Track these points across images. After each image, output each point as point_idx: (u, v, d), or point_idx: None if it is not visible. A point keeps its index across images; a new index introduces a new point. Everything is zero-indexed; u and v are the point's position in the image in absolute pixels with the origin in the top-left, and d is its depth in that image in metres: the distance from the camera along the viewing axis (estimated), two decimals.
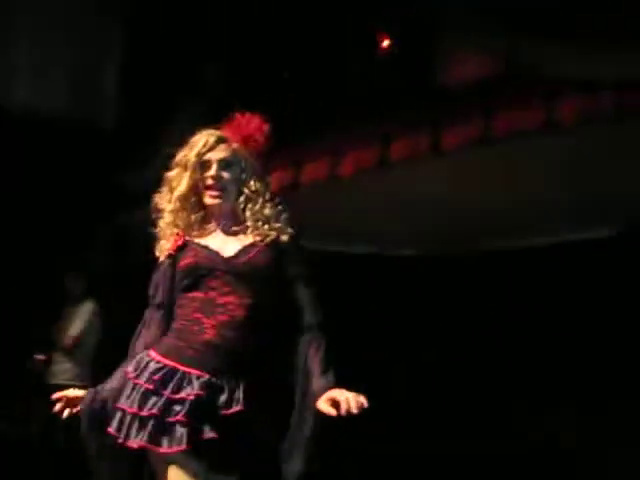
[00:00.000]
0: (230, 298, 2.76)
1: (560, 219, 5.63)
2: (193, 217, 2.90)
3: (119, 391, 2.75)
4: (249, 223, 2.85)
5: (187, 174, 2.86)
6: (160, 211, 2.93)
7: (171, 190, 2.91)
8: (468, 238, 5.80)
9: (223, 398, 2.68)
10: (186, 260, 2.82)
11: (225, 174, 2.85)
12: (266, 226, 2.85)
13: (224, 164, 2.86)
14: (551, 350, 5.93)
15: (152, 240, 2.90)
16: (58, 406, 2.80)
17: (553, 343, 5.95)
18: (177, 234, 2.89)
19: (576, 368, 5.76)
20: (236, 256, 2.81)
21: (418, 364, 6.06)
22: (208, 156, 2.86)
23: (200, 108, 5.34)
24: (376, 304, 5.98)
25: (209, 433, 2.63)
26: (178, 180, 2.90)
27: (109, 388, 2.79)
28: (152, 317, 2.88)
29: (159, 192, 2.94)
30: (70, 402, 2.81)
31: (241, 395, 2.68)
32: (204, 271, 2.79)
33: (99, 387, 2.81)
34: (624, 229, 5.70)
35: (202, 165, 2.85)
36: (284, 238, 2.83)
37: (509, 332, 6.02)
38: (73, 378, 5.64)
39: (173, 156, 2.90)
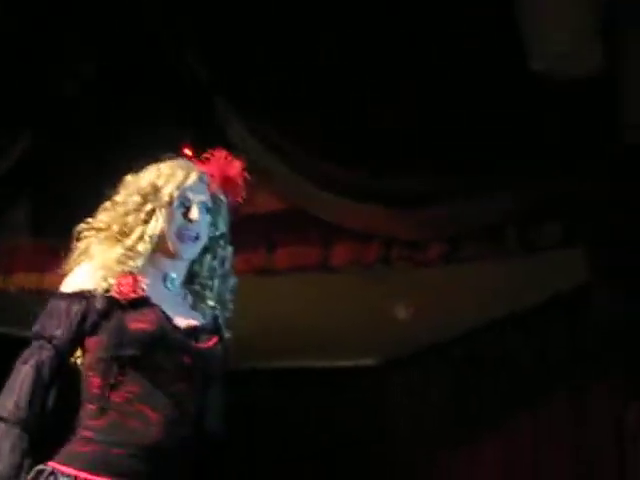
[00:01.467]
0: (182, 387, 2.14)
1: (332, 346, 6.00)
2: (145, 261, 2.23)
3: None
4: (209, 291, 2.28)
5: (163, 210, 2.23)
6: (94, 234, 2.26)
7: (123, 217, 2.25)
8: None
9: None
10: (143, 324, 2.12)
11: (203, 222, 2.25)
12: (223, 305, 2.30)
13: (204, 209, 2.26)
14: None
15: None
16: None
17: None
18: (133, 276, 2.19)
19: None
20: (192, 333, 2.20)
21: None
22: (189, 194, 2.25)
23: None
24: None
25: None
26: (138, 213, 2.24)
27: None
28: (48, 363, 2.10)
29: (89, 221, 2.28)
30: None
31: None
32: (164, 346, 2.13)
33: None
34: (386, 360, 6.17)
35: (179, 203, 2.24)
36: (227, 336, 2.30)
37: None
38: None
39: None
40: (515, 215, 4.24)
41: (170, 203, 2.23)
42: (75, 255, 2.27)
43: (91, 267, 2.20)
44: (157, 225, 2.22)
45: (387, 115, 4.26)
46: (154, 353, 2.11)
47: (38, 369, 2.08)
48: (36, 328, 2.15)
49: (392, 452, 6.01)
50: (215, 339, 2.23)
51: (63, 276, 2.26)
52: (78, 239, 2.28)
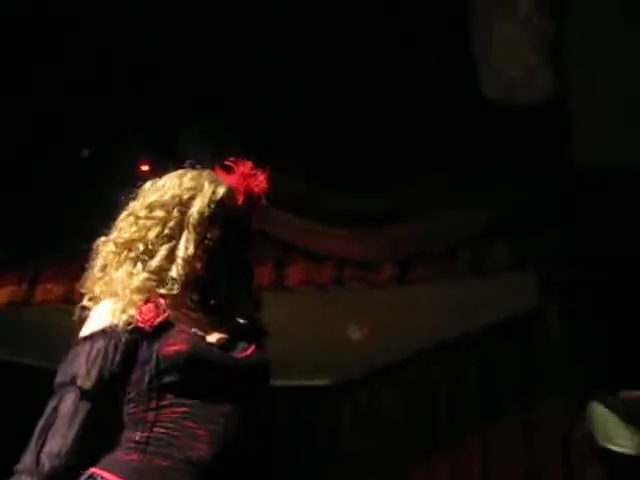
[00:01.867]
0: (229, 401, 2.01)
1: (285, 365, 5.99)
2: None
3: None
4: (232, 308, 2.13)
5: (191, 228, 2.09)
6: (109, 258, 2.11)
7: (145, 233, 2.09)
8: None
9: None
10: (175, 346, 2.00)
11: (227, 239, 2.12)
12: (250, 321, 2.17)
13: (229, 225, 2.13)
14: None
15: None
16: None
17: None
18: (153, 302, 2.05)
19: None
20: (226, 346, 2.07)
21: None
22: (215, 210, 2.11)
23: None
24: None
25: None
26: (162, 229, 2.09)
27: None
28: (74, 409, 1.96)
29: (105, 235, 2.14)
30: None
31: None
32: (202, 364, 2.01)
33: None
34: (341, 380, 6.18)
35: (206, 219, 2.11)
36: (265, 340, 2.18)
37: None
38: None
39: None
40: (466, 237, 4.30)
41: (198, 220, 2.10)
42: (92, 275, 2.14)
43: (109, 302, 2.06)
44: (189, 246, 2.07)
45: (340, 135, 4.31)
46: (194, 373, 2.00)
47: (62, 419, 1.95)
48: (57, 379, 2.02)
49: (348, 474, 6.01)
50: (252, 348, 2.12)
51: (82, 294, 2.14)
52: (96, 253, 2.15)
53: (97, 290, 2.12)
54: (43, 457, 1.92)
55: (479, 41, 4.26)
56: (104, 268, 2.13)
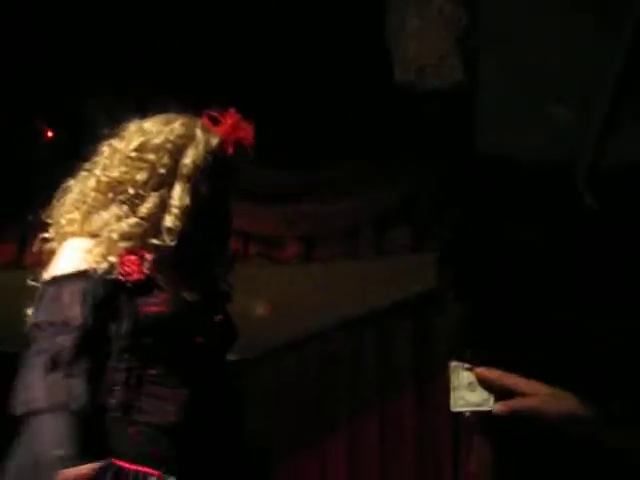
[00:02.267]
0: (199, 370, 1.94)
1: None
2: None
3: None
4: (210, 266, 2.04)
5: (186, 183, 1.97)
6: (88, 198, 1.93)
7: (133, 175, 1.93)
8: None
9: None
10: (156, 307, 1.89)
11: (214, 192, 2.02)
12: (224, 280, 2.07)
13: (216, 179, 2.04)
14: None
15: None
16: None
17: None
18: (138, 254, 1.90)
19: None
20: (205, 308, 1.97)
21: None
22: (208, 161, 2.02)
23: None
24: None
25: None
26: (151, 174, 1.93)
27: None
28: (75, 350, 1.79)
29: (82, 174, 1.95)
30: None
31: None
32: (181, 326, 1.92)
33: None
34: (241, 357, 6.21)
35: (198, 169, 2.00)
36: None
37: None
38: None
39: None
40: (370, 218, 4.37)
41: (193, 170, 1.99)
42: (63, 208, 1.97)
43: (86, 242, 1.89)
44: (185, 196, 1.95)
45: (250, 112, 4.31)
46: (171, 336, 1.89)
47: (63, 361, 1.78)
48: (42, 318, 1.83)
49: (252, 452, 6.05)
50: (223, 312, 2.04)
51: (44, 227, 1.97)
52: (69, 188, 1.97)
53: (65, 223, 1.96)
54: (64, 396, 1.76)
55: (392, 29, 4.32)
56: (77, 203, 1.97)
